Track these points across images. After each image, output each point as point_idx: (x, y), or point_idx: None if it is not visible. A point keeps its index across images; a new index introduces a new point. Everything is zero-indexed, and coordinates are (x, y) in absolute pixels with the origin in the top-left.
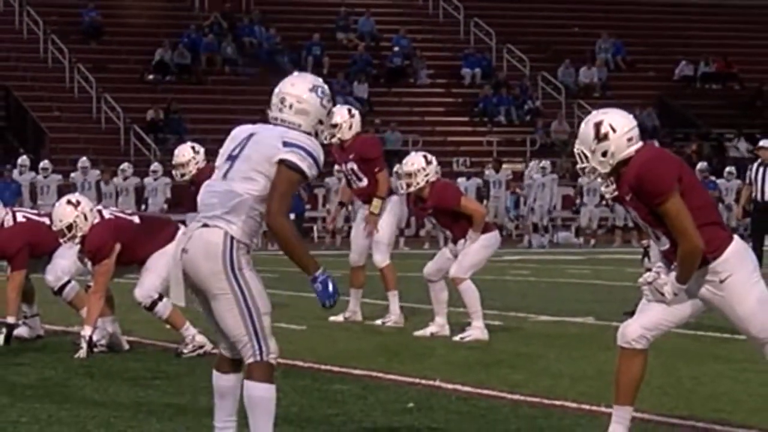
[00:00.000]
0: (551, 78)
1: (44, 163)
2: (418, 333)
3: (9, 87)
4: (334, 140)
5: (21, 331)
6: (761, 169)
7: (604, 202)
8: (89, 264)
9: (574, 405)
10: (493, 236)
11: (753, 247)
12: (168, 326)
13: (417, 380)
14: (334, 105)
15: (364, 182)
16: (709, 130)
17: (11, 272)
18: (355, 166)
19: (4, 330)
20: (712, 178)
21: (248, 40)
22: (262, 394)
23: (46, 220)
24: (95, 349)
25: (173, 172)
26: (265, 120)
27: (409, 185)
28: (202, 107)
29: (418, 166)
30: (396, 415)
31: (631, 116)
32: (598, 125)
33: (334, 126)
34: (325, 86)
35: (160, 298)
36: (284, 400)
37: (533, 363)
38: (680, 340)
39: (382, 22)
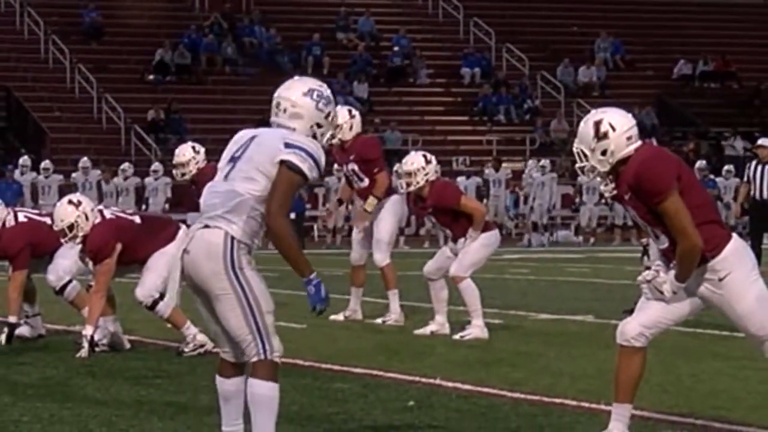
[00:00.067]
0: (550, 77)
1: (45, 164)
2: (419, 331)
3: (10, 87)
4: (334, 141)
5: (23, 330)
6: (760, 168)
7: (603, 201)
8: (90, 264)
9: (573, 403)
10: (493, 235)
11: (751, 246)
12: (169, 325)
13: (417, 378)
14: (336, 105)
15: (366, 182)
16: (707, 128)
17: (13, 272)
18: (356, 167)
19: (6, 329)
20: (711, 176)
21: (248, 41)
22: (265, 392)
23: (48, 220)
24: (97, 349)
25: (174, 171)
26: (265, 119)
27: (408, 184)
28: (202, 107)
29: (418, 165)
30: (396, 413)
31: (630, 115)
32: (597, 124)
33: (335, 127)
34: (323, 90)
35: (161, 297)
36: (285, 399)
37: (533, 361)
38: (679, 338)
39: (381, 22)
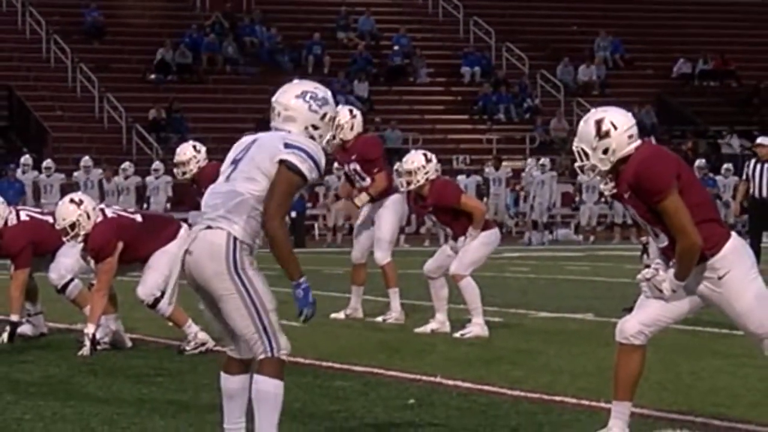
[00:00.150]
0: (550, 76)
1: (47, 162)
2: (419, 330)
3: (12, 87)
4: (335, 141)
5: (25, 328)
6: (759, 166)
7: (603, 200)
8: (92, 262)
9: (573, 401)
10: (493, 233)
11: (751, 244)
12: (170, 324)
13: (418, 376)
14: (336, 105)
15: (368, 182)
16: (707, 127)
17: (15, 270)
18: (358, 167)
19: (8, 328)
20: (711, 175)
21: (249, 40)
22: (271, 389)
23: (50, 219)
24: (98, 347)
25: (175, 170)
26: (266, 119)
27: (409, 183)
28: (203, 106)
29: (418, 164)
30: (397, 411)
31: (630, 114)
32: (599, 122)
33: (336, 127)
34: (318, 91)
35: (163, 295)
36: (286, 396)
37: (533, 359)
38: (679, 336)
39: (382, 21)
